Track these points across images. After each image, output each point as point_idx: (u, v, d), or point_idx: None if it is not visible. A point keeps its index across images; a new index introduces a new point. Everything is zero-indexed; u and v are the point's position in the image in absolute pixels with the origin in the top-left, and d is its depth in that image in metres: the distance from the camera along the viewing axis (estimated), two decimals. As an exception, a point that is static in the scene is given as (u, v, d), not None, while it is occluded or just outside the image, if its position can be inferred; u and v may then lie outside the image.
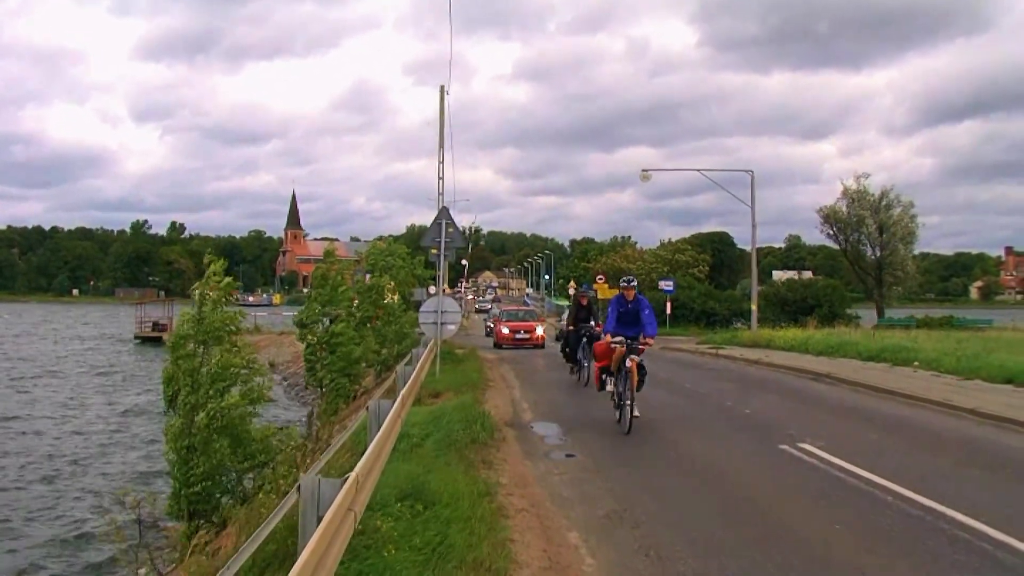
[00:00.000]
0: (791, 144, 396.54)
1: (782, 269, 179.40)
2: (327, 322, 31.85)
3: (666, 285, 65.40)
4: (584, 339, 25.82)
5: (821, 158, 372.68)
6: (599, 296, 71.95)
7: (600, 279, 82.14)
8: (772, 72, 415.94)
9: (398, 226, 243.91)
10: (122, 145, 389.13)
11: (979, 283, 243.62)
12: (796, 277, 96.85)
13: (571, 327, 27.30)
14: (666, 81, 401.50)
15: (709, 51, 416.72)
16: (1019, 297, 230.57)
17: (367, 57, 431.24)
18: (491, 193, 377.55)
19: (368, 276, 39.74)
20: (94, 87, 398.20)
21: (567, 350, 27.97)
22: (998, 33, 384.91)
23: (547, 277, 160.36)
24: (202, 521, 15.73)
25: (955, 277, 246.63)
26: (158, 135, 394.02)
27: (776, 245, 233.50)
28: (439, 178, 33.09)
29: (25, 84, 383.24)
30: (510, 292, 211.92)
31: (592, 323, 26.63)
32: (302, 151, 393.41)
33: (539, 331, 48.22)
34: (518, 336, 47.72)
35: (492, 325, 59.96)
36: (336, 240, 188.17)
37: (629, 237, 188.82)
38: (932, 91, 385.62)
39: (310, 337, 31.63)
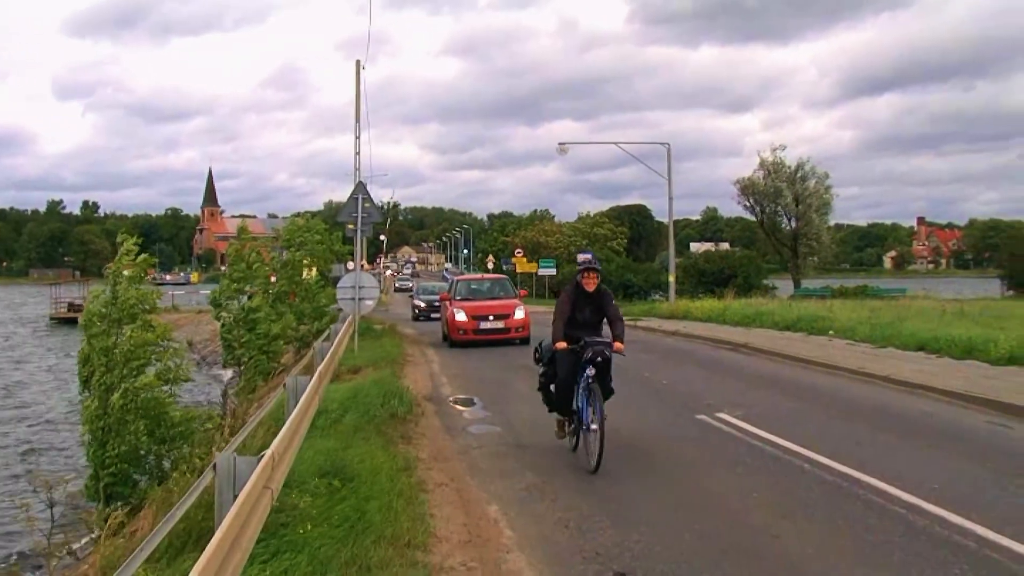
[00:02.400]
0: (715, 118, 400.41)
1: (700, 241, 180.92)
2: (244, 299, 31.59)
3: (584, 257, 65.61)
4: (590, 366, 12.14)
5: (744, 131, 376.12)
6: (518, 270, 72.16)
7: (518, 253, 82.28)
8: (701, 46, 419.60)
9: (321, 203, 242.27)
10: (43, 123, 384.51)
11: (893, 253, 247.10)
12: (713, 249, 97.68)
13: (562, 342, 12.52)
14: (594, 56, 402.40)
15: (639, 26, 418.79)
16: (931, 266, 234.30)
17: (295, 33, 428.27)
18: (414, 168, 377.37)
19: (284, 253, 39.39)
20: (16, 64, 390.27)
21: (550, 387, 13.30)
22: (921, 8, 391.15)
23: (466, 251, 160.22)
24: (120, 503, 15.53)
25: (869, 247, 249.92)
26: (80, 113, 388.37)
27: (694, 217, 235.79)
28: (356, 153, 32.83)
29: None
30: (429, 267, 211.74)
31: (604, 333, 12.79)
32: (227, 128, 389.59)
33: (519, 314, 29.91)
34: (486, 325, 29.53)
35: (421, 305, 52.01)
36: (253, 217, 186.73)
37: (547, 211, 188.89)
38: (855, 65, 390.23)
39: (225, 315, 31.35)
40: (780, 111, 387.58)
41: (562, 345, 12.00)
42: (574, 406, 12.29)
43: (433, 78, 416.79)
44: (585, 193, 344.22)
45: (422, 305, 51.67)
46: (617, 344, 11.88)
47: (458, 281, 35.84)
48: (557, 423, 12.92)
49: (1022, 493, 9.94)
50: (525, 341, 28.61)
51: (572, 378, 12.15)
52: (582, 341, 11.90)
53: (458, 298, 31.65)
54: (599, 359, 11.76)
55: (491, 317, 29.70)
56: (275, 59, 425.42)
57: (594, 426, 11.52)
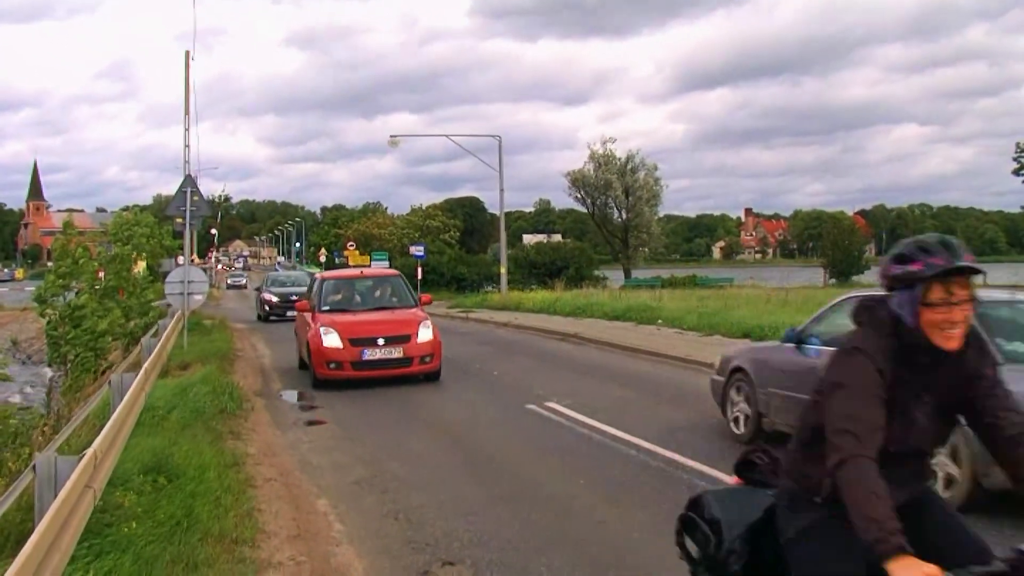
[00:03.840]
0: (551, 111, 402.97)
1: (533, 233, 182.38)
2: (71, 295, 30.81)
3: (416, 250, 65.38)
4: None
5: (579, 125, 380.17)
6: (350, 262, 71.70)
7: (351, 246, 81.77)
8: (540, 40, 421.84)
9: (151, 196, 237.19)
10: None
11: (721, 243, 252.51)
12: (546, 240, 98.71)
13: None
14: (433, 49, 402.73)
15: (480, 20, 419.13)
16: (758, 256, 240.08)
17: (131, 23, 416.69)
18: (250, 162, 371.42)
19: (112, 248, 38.50)
20: None
21: None
22: (753, 7, 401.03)
23: (298, 245, 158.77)
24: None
25: (699, 238, 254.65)
26: None
27: (527, 210, 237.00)
28: (185, 146, 32.36)
29: None
30: (261, 260, 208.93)
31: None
32: (57, 120, 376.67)
33: (424, 334, 19.28)
34: (374, 355, 18.86)
35: (272, 300, 42.17)
36: (81, 211, 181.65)
37: (379, 203, 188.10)
38: (689, 60, 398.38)
39: (51, 312, 30.51)
40: (615, 105, 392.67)
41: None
42: None
43: (271, 71, 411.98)
44: (421, 186, 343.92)
45: (273, 300, 41.72)
46: None
47: (324, 281, 22.02)
48: None
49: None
50: (434, 376, 19.00)
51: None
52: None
53: (325, 309, 19.98)
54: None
55: (381, 341, 18.52)
56: (109, 50, 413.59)
57: None
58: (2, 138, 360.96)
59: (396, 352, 18.56)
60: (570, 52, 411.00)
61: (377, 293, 21.53)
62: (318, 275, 24.28)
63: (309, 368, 19.20)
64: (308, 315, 20.17)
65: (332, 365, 18.37)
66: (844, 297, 11.58)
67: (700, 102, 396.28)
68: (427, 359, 18.80)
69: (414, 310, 20.25)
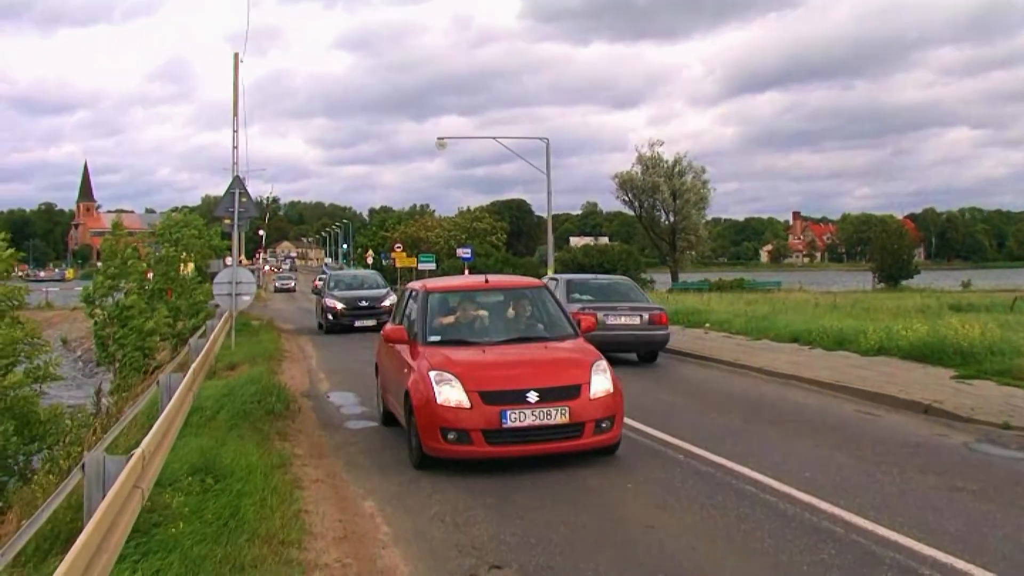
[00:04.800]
0: (601, 114, 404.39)
1: (579, 235, 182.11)
2: (119, 296, 31.02)
3: (464, 253, 65.56)
4: None
5: (629, 127, 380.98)
6: (397, 264, 71.86)
7: (398, 247, 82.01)
8: (591, 43, 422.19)
9: (200, 197, 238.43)
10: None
11: (769, 247, 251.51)
12: (593, 243, 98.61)
13: None
14: (485, 52, 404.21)
15: (531, 22, 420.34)
16: (806, 260, 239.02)
17: (185, 25, 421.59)
18: (299, 163, 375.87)
19: (160, 248, 38.77)
20: None
21: None
22: (807, 9, 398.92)
23: (345, 246, 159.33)
24: (-13, 507, 15.16)
25: (747, 241, 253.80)
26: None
27: (575, 212, 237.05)
28: (233, 147, 32.63)
29: None
30: (308, 262, 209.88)
31: None
32: (111, 122, 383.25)
33: (599, 385, 11.37)
34: (523, 417, 10.84)
35: (337, 308, 33.40)
36: (131, 212, 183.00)
37: (427, 205, 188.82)
38: (740, 63, 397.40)
39: (99, 312, 30.75)
40: (665, 107, 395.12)
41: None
42: None
43: (322, 72, 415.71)
44: (469, 188, 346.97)
45: (338, 307, 33.24)
46: None
47: (430, 295, 13.25)
48: None
49: (886, 479, 10.24)
50: (612, 450, 11.81)
51: None
52: None
53: (434, 340, 12.44)
54: None
55: (533, 397, 11.00)
56: (164, 52, 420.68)
57: None
58: (57, 139, 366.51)
59: (558, 415, 10.97)
60: (621, 55, 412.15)
61: (512, 313, 13.37)
62: (418, 285, 13.88)
63: (409, 433, 11.85)
64: (404, 348, 12.70)
65: (452, 436, 10.87)
66: None
67: (750, 105, 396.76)
68: (605, 425, 11.27)
69: (576, 342, 12.58)
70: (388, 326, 13.81)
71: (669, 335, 21.82)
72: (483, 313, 13.03)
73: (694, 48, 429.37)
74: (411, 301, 13.66)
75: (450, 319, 12.84)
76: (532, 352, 11.99)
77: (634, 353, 21.68)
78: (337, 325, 32.87)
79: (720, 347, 23.46)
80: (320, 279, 58.97)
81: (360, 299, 33.92)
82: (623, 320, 21.16)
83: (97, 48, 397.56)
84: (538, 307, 13.25)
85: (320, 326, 35.10)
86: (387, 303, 32.20)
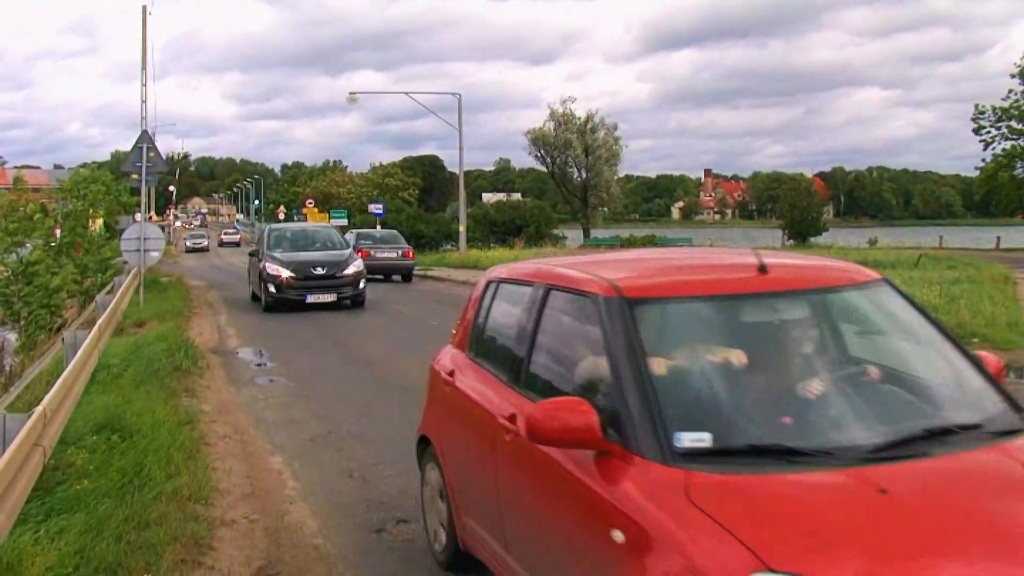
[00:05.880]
0: (516, 70, 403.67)
1: (492, 191, 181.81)
2: (22, 252, 30.51)
3: (375, 208, 65.10)
4: None
5: (544, 85, 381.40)
6: (309, 220, 71.33)
7: (309, 203, 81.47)
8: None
9: (110, 153, 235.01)
10: None
11: (680, 204, 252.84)
12: (505, 199, 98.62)
13: None
14: (401, 7, 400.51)
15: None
16: (717, 217, 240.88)
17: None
18: (213, 118, 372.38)
19: (67, 204, 38.16)
20: None
21: None
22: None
23: (256, 202, 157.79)
24: None
25: (659, 198, 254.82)
26: None
27: (488, 168, 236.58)
28: (142, 102, 32.15)
29: None
30: (220, 218, 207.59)
31: None
32: (17, 76, 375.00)
33: None
34: None
35: (282, 276, 24.49)
36: (37, 168, 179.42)
37: (339, 161, 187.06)
38: (657, 21, 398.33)
39: (1, 269, 30.21)
40: (582, 64, 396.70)
41: None
42: None
43: (237, 26, 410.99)
44: (383, 144, 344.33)
45: (284, 276, 24.48)
46: None
47: (641, 305, 4.71)
48: None
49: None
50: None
51: None
52: None
53: (695, 452, 3.99)
54: None
55: None
56: (76, 4, 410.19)
57: None
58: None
59: None
60: (539, 11, 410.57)
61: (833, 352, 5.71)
62: (596, 284, 4.98)
63: None
64: (584, 467, 4.40)
65: None
66: None
67: (666, 63, 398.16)
68: None
69: None
70: (531, 408, 4.53)
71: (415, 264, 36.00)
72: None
73: (612, 4, 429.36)
74: (561, 323, 5.49)
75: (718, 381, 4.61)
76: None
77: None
78: (282, 301, 24.21)
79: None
80: (230, 229, 54.49)
81: (314, 264, 25.01)
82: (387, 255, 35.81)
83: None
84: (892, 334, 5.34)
85: (254, 297, 26.68)
86: (351, 270, 25.12)
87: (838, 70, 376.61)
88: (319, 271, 24.83)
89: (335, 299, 24.44)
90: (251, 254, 27.65)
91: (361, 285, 25.23)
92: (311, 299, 24.28)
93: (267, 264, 24.77)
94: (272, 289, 24.43)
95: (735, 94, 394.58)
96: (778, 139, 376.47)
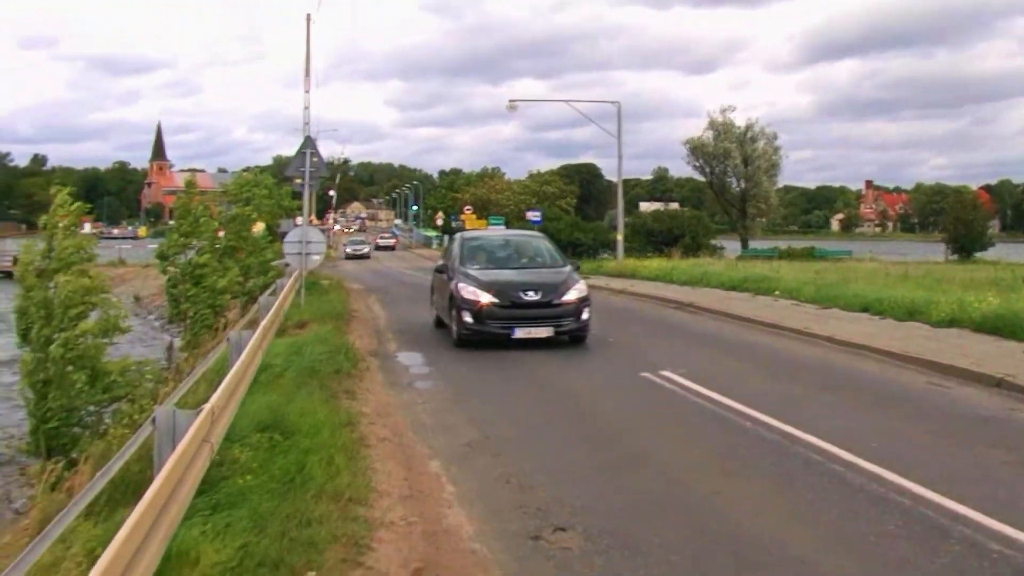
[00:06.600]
0: (676, 79, 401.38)
1: (649, 200, 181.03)
2: (190, 253, 31.32)
3: (533, 216, 65.38)
4: None
5: (704, 94, 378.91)
6: (467, 226, 71.88)
7: (468, 210, 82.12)
8: (672, 7, 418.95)
9: (272, 158, 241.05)
10: (3, 74, 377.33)
11: (840, 216, 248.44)
12: (663, 208, 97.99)
13: None
14: (564, 16, 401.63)
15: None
16: (877, 229, 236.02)
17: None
18: (373, 125, 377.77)
19: (231, 207, 39.06)
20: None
21: None
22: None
23: (415, 208, 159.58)
24: (60, 458, 15.40)
25: (818, 210, 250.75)
26: (42, 64, 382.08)
27: (645, 177, 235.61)
28: (305, 108, 32.80)
29: None
30: (378, 223, 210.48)
31: None
32: (189, 82, 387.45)
33: None
34: None
35: (475, 310, 18.22)
36: (202, 171, 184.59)
37: (497, 168, 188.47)
38: (819, 30, 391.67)
39: (172, 269, 31.06)
40: (742, 74, 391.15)
41: None
42: None
43: (399, 35, 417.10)
44: (541, 152, 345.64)
45: (483, 301, 18.30)
46: None
47: None
48: None
49: (955, 452, 10.12)
50: None
51: None
52: None
53: None
54: None
55: None
56: (245, 13, 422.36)
57: None
58: (138, 99, 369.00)
59: None
60: (701, 20, 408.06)
61: None
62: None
63: None
64: None
65: None
66: None
67: (827, 72, 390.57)
68: None
69: None
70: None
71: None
72: None
73: (774, 14, 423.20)
74: None
75: None
76: None
77: None
78: (481, 334, 18.29)
79: (789, 315, 23.21)
80: (386, 234, 52.76)
81: (524, 287, 18.73)
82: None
83: (180, 7, 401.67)
84: None
85: (439, 324, 21.65)
86: (572, 295, 18.75)
87: (1008, 80, 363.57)
88: (531, 296, 18.45)
89: (552, 334, 18.24)
90: (437, 270, 21.64)
91: (585, 315, 18.61)
92: (520, 334, 18.13)
93: (460, 285, 18.78)
94: (468, 319, 18.31)
95: (898, 104, 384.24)
96: (942, 151, 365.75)
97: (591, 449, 10.43)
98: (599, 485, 8.95)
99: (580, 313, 18.57)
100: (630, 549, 7.29)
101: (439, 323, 21.45)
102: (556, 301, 18.44)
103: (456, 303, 18.64)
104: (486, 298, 18.24)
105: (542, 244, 21.95)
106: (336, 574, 6.69)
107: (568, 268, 20.12)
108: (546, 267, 20.33)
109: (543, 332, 18.16)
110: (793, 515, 8.06)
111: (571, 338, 18.54)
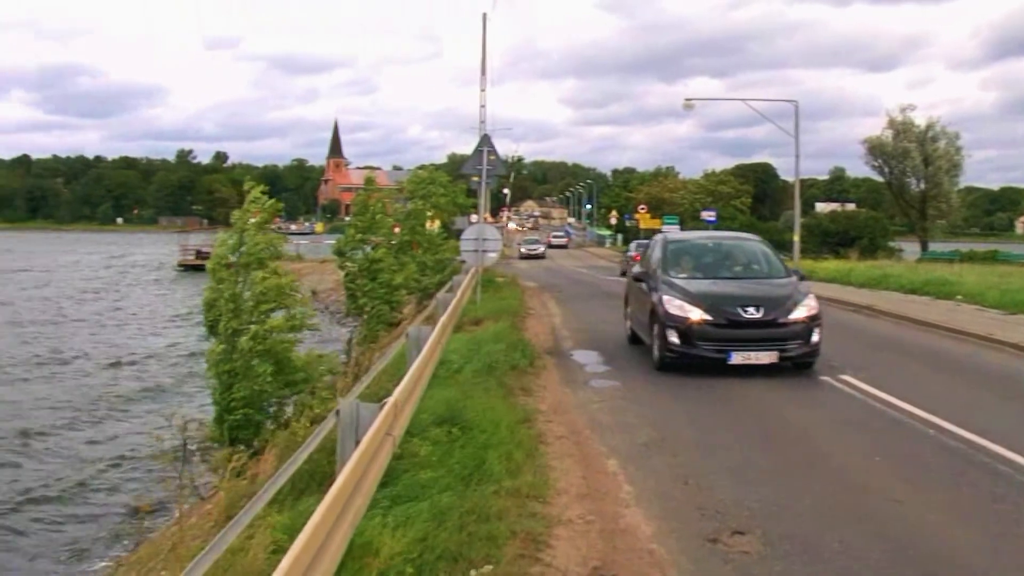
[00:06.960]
0: (855, 76, 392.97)
1: (825, 201, 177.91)
2: (367, 249, 31.87)
3: (708, 216, 64.96)
4: None
5: (883, 92, 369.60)
6: (641, 225, 71.69)
7: (642, 209, 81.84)
8: (851, 4, 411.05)
9: (446, 156, 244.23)
10: (186, 73, 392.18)
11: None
12: (839, 209, 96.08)
13: None
14: (740, 14, 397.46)
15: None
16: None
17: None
18: (547, 123, 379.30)
19: (407, 204, 39.65)
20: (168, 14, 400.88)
21: None
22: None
23: (588, 206, 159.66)
24: (243, 446, 15.84)
25: (1001, 212, 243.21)
26: (224, 64, 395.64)
27: (820, 177, 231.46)
28: (481, 106, 33.06)
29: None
30: (551, 221, 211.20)
31: None
32: (367, 80, 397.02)
33: None
34: None
35: (686, 332, 15.11)
36: (378, 169, 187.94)
37: (671, 167, 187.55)
38: (1006, 24, 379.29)
39: (349, 265, 31.66)
40: (923, 71, 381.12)
41: None
42: None
43: (575, 33, 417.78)
44: (716, 150, 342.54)
45: (694, 319, 15.13)
46: None
47: None
48: None
49: None
50: None
51: None
52: None
53: None
54: None
55: None
56: (423, 11, 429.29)
57: None
58: (316, 97, 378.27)
59: None
60: (880, 16, 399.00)
61: None
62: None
63: None
64: None
65: None
66: None
67: (1015, 68, 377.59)
68: None
69: None
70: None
71: None
72: None
73: (959, 9, 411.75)
74: None
75: None
76: None
77: None
78: (690, 357, 15.27)
79: (971, 320, 22.56)
80: (559, 232, 51.38)
81: (742, 301, 15.49)
82: None
83: (359, 6, 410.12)
84: None
85: (633, 339, 18.89)
86: (800, 312, 15.48)
87: None
88: (751, 313, 15.24)
89: (776, 360, 15.11)
90: (635, 278, 18.38)
91: (815, 338, 15.36)
92: (736, 359, 15.05)
93: (665, 297, 15.78)
94: (674, 339, 15.31)
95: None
96: None
97: (770, 452, 10.29)
98: (778, 488, 8.82)
99: (810, 335, 15.35)
100: (810, 555, 7.17)
101: (634, 338, 18.70)
102: (781, 320, 15.30)
103: (659, 319, 15.72)
104: (696, 314, 15.21)
105: (758, 248, 18.50)
106: (514, 569, 6.72)
107: (793, 278, 16.83)
108: (766, 277, 17.14)
109: (765, 358, 15.06)
110: (982, 527, 7.80)
111: (795, 365, 15.39)
